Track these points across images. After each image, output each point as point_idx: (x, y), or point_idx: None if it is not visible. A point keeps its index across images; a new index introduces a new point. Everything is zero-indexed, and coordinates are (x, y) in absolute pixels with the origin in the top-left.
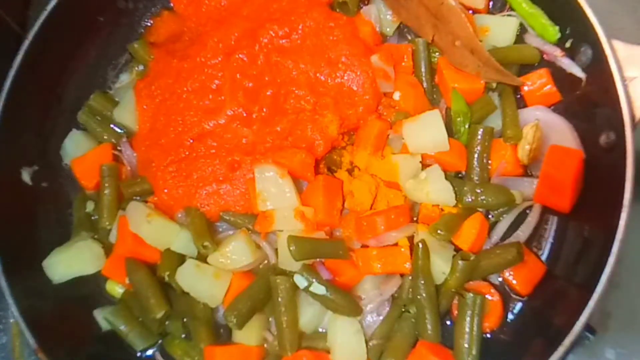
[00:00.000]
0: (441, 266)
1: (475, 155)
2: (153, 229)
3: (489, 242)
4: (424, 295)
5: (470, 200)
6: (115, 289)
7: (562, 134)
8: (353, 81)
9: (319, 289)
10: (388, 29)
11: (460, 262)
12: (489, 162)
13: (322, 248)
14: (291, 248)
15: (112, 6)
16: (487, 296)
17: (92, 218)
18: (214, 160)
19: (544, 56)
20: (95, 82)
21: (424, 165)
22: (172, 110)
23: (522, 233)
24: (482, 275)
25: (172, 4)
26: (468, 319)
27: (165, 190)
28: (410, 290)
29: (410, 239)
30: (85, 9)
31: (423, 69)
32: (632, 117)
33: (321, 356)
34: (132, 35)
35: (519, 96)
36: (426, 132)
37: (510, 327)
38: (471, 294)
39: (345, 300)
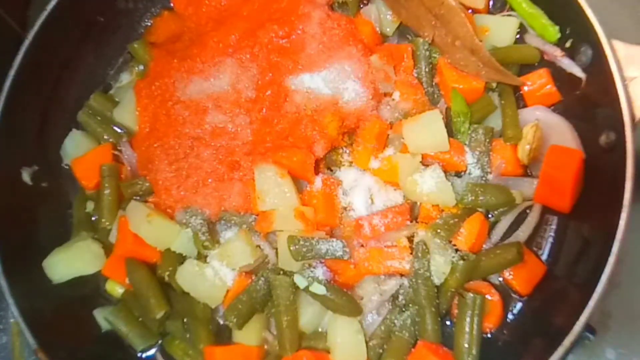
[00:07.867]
0: (441, 266)
1: (476, 155)
2: (153, 229)
3: (489, 242)
4: (424, 295)
5: (470, 200)
6: (115, 289)
7: (562, 134)
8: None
9: (319, 289)
10: (388, 29)
11: (460, 262)
12: (489, 162)
13: (322, 248)
14: (291, 248)
15: (112, 6)
16: (487, 296)
17: (92, 218)
18: (214, 160)
19: (544, 56)
20: (95, 82)
21: (424, 165)
22: (172, 110)
23: (522, 233)
24: (482, 275)
25: (172, 4)
26: (468, 319)
27: (165, 190)
28: (410, 290)
29: (410, 239)
30: (85, 9)
31: (423, 69)
32: (632, 117)
33: (321, 356)
34: (132, 35)
35: (518, 96)
36: (426, 132)
37: (510, 327)
38: (471, 294)
39: (345, 300)
